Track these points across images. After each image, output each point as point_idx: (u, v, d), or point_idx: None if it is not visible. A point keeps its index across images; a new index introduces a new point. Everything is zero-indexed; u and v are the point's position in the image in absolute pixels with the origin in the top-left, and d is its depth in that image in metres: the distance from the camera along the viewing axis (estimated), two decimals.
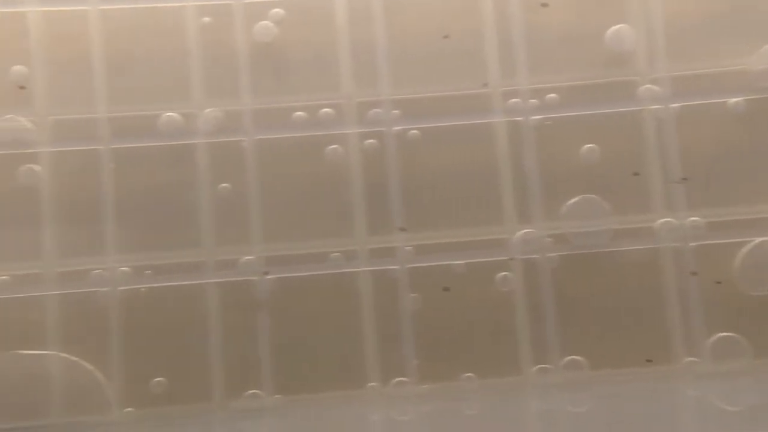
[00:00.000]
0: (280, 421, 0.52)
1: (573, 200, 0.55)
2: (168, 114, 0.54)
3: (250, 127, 0.55)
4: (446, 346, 0.53)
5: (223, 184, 0.54)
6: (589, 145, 0.55)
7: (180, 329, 0.53)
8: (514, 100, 0.56)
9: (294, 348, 0.53)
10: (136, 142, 0.54)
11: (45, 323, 0.52)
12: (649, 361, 0.53)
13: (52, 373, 0.51)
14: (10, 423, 0.50)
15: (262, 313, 0.53)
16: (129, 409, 0.51)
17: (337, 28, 0.56)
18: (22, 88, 0.53)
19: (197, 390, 0.52)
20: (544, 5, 0.57)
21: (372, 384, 0.53)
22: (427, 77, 0.56)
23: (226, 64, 0.55)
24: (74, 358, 0.51)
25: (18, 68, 0.53)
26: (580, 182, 0.55)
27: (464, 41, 0.56)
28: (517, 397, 0.52)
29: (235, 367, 0.52)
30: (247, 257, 0.54)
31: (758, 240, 0.54)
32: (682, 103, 0.56)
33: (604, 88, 0.56)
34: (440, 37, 0.56)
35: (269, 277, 0.53)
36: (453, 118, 0.56)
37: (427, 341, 0.53)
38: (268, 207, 0.54)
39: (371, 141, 0.56)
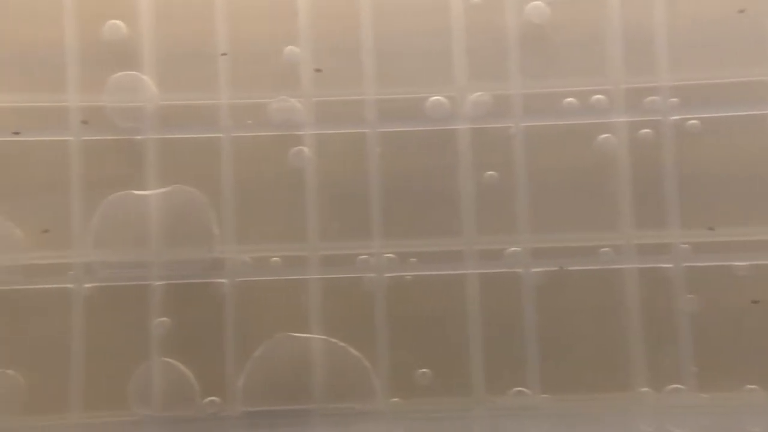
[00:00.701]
0: (541, 424, 0.50)
1: None
2: (435, 97, 0.53)
3: (518, 113, 0.53)
4: (727, 354, 0.50)
5: (489, 172, 0.53)
6: None
7: (443, 319, 0.52)
8: None
9: (561, 345, 0.51)
10: (402, 125, 0.53)
11: (309, 307, 0.52)
12: None
13: (319, 357, 0.51)
14: (275, 405, 0.51)
15: (529, 307, 0.51)
16: (395, 399, 0.51)
17: (611, 9, 0.53)
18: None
19: (460, 384, 0.51)
20: None
21: (644, 389, 0.50)
22: (709, 61, 0.52)
23: (494, 46, 0.53)
24: (342, 344, 0.51)
25: (290, 49, 0.53)
26: None
27: (757, 19, 0.52)
28: None
29: (499, 362, 0.51)
30: (512, 248, 0.52)
31: None
32: None
33: None
34: (734, 11, 0.52)
35: (535, 270, 0.52)
36: (737, 107, 0.52)
37: (706, 347, 0.50)
38: (534, 197, 0.52)
39: (646, 131, 0.52)
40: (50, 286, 0.50)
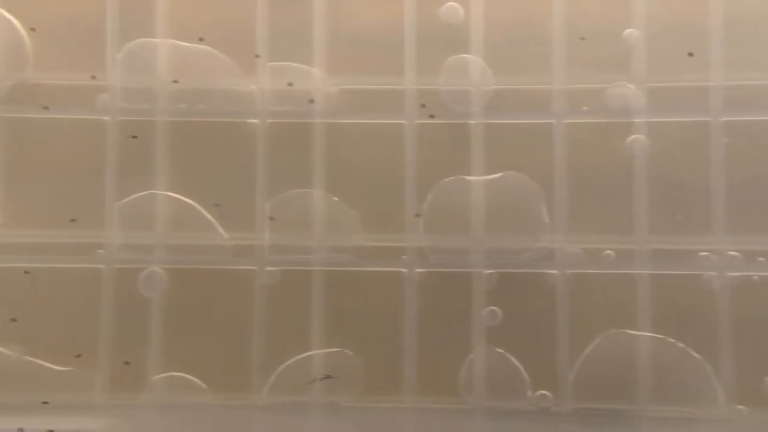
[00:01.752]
0: None
1: None
2: None
3: None
4: None
5: None
6: None
7: None
8: None
9: None
10: (750, 114, 0.49)
11: (643, 303, 0.49)
12: None
13: (656, 357, 0.48)
14: (606, 404, 0.48)
15: None
16: (740, 406, 0.48)
17: None
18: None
19: None
20: None
21: None
22: None
23: None
24: (681, 345, 0.48)
25: (630, 32, 0.50)
26: None
27: None
28: None
29: None
30: None
31: None
32: None
33: None
34: None
35: None
36: None
37: None
38: None
39: None
40: (384, 269, 0.50)
